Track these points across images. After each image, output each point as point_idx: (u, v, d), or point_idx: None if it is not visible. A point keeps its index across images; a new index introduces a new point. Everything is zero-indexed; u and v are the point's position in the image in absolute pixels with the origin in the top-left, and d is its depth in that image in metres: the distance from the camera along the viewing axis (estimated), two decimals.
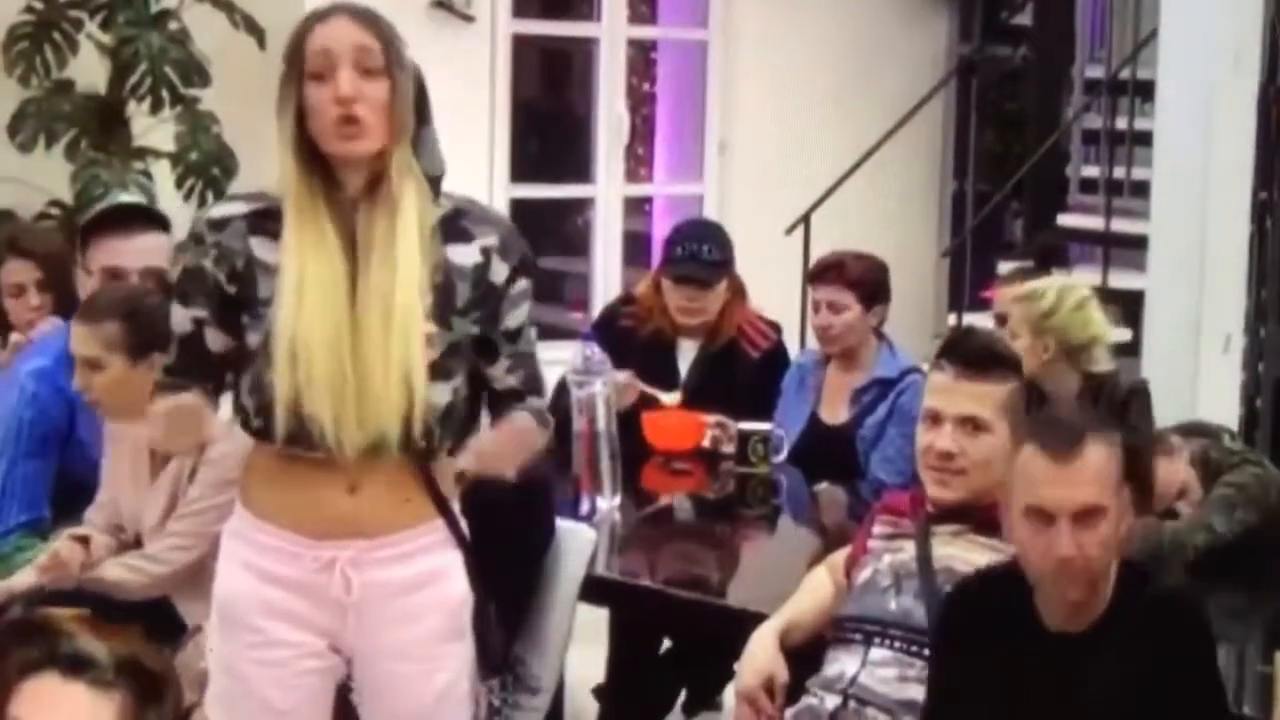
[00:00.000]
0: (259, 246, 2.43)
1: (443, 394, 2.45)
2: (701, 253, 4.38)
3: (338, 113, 2.36)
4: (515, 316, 2.53)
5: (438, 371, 2.43)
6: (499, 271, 2.49)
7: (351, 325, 2.37)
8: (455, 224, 2.48)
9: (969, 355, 2.87)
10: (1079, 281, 4.32)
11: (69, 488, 3.62)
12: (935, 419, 2.84)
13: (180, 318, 2.50)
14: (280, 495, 2.47)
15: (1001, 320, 4.34)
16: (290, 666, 2.49)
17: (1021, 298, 4.02)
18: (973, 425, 2.81)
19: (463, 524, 2.55)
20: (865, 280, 4.27)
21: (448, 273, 2.45)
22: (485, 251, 2.48)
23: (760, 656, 2.91)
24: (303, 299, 2.37)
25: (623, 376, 4.20)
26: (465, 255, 2.47)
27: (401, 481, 2.47)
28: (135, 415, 2.94)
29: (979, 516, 2.80)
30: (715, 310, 4.40)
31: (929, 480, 2.85)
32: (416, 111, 2.44)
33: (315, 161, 2.41)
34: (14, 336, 4.00)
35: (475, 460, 2.54)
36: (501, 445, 2.58)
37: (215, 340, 2.49)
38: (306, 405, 2.37)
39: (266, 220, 2.44)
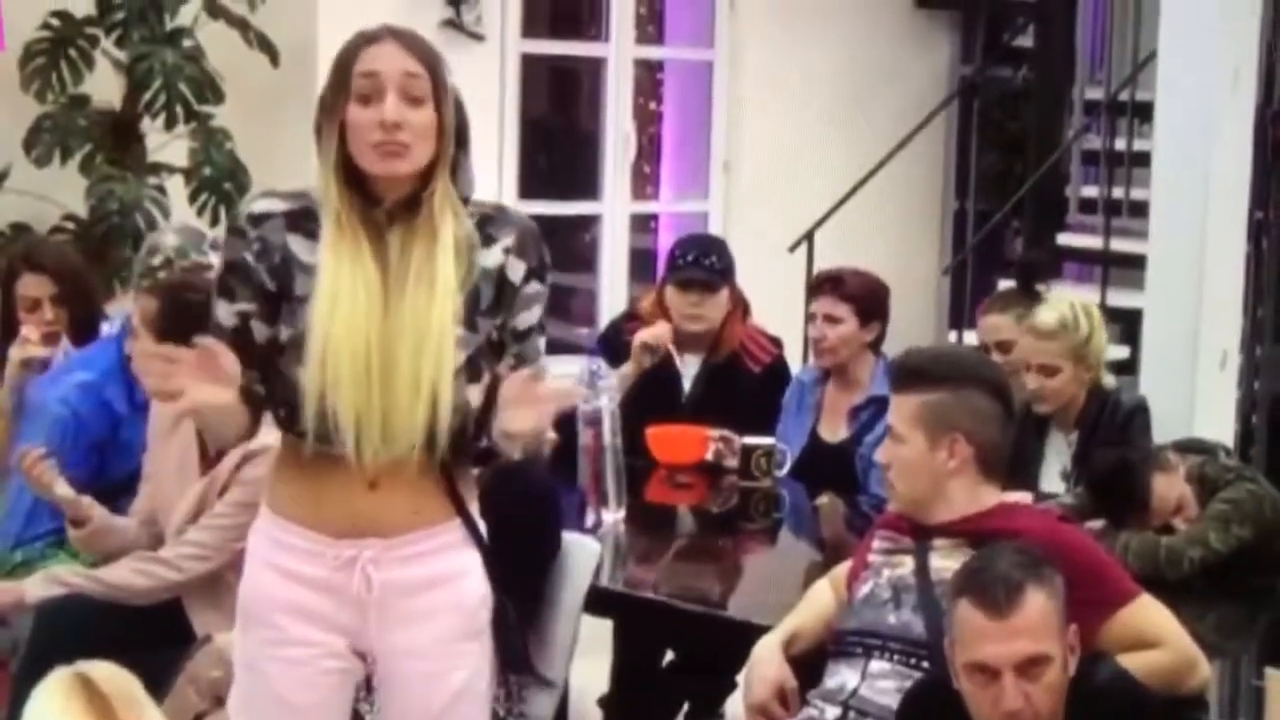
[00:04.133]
0: (296, 245, 2.46)
1: (476, 396, 2.48)
2: (704, 261, 4.44)
3: (380, 137, 2.39)
4: (526, 318, 2.56)
5: (472, 374, 2.47)
6: (515, 270, 2.53)
7: (381, 343, 2.40)
8: (483, 231, 2.51)
9: (895, 374, 2.98)
10: (1076, 297, 4.33)
11: (112, 491, 3.66)
12: None
13: (225, 313, 2.50)
14: (300, 491, 2.49)
15: (986, 349, 4.32)
16: (310, 665, 2.51)
17: (1052, 333, 3.89)
18: (890, 435, 2.91)
19: (480, 525, 2.58)
20: (862, 295, 4.30)
21: (475, 277, 2.49)
22: (505, 251, 2.52)
23: (768, 668, 2.94)
24: (335, 309, 2.39)
25: (659, 328, 4.36)
26: (489, 259, 2.51)
27: (421, 481, 2.49)
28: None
29: (975, 532, 2.83)
30: (718, 318, 4.44)
31: None
32: (456, 136, 2.46)
33: (352, 177, 2.43)
34: (12, 350, 4.02)
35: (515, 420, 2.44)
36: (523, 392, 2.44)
37: (260, 332, 2.48)
38: (330, 401, 2.39)
39: (305, 220, 2.46)
